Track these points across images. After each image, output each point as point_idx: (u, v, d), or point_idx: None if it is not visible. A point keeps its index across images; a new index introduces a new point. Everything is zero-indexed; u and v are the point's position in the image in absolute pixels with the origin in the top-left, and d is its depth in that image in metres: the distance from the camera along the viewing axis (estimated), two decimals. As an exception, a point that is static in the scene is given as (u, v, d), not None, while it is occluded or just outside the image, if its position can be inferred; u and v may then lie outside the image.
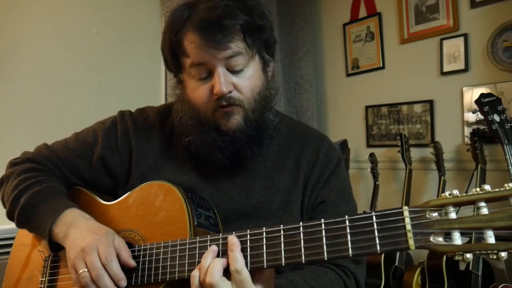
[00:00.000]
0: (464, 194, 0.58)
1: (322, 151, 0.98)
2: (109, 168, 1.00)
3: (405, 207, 0.61)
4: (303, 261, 0.67)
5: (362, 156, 2.71)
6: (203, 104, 0.88)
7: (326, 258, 0.66)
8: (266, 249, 0.71)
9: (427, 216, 0.60)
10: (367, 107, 2.72)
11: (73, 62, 2.11)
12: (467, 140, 2.14)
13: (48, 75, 2.03)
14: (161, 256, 0.81)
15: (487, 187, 0.57)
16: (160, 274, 0.81)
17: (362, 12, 2.73)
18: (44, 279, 0.95)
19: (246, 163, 0.96)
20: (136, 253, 0.85)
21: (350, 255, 0.64)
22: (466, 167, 2.19)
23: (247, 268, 0.71)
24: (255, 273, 0.71)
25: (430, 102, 2.39)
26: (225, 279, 0.70)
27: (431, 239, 0.58)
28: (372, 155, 2.53)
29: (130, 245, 0.88)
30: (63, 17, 2.09)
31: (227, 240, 0.74)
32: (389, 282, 2.18)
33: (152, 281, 0.81)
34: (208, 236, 0.78)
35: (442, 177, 2.16)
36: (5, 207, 0.96)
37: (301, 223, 0.70)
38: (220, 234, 0.77)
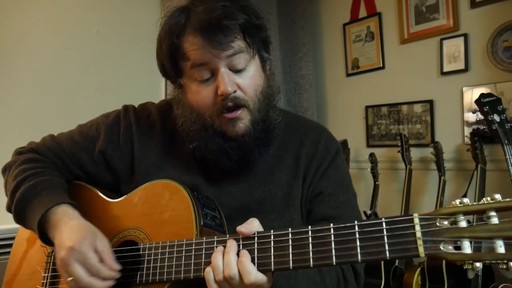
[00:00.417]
0: (474, 203, 0.58)
1: (321, 142, 0.98)
2: (109, 163, 0.99)
3: (415, 214, 0.61)
4: (311, 265, 0.67)
5: (362, 156, 2.71)
6: (207, 107, 0.86)
7: (334, 263, 0.65)
8: (274, 251, 0.70)
9: (437, 224, 0.59)
10: (367, 107, 2.72)
11: (73, 62, 2.11)
12: (467, 140, 2.14)
13: (48, 75, 2.03)
14: (166, 256, 0.81)
15: (497, 196, 0.57)
16: (165, 273, 0.80)
17: (362, 12, 2.73)
18: (46, 274, 0.95)
19: (247, 160, 0.95)
20: (140, 252, 0.85)
21: (359, 261, 0.63)
22: (466, 167, 2.19)
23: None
24: None
25: (430, 102, 2.39)
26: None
27: (441, 247, 0.58)
28: (372, 155, 2.53)
29: (134, 243, 0.88)
30: (63, 17, 2.09)
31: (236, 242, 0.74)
32: (389, 282, 2.18)
33: (157, 280, 0.81)
34: (215, 237, 0.77)
35: (442, 177, 2.16)
36: (7, 196, 0.97)
37: (309, 227, 0.69)
38: (227, 236, 0.76)
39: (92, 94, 2.14)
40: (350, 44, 2.81)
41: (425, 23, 2.38)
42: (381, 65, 2.63)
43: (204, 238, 0.78)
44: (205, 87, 0.86)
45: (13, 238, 1.07)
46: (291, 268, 0.68)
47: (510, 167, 1.67)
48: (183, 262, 0.78)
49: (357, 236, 0.64)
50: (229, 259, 0.71)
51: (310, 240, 0.68)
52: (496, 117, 1.75)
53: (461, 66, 2.23)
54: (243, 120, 0.86)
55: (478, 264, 0.56)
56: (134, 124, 1.00)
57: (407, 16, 2.47)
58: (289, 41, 2.87)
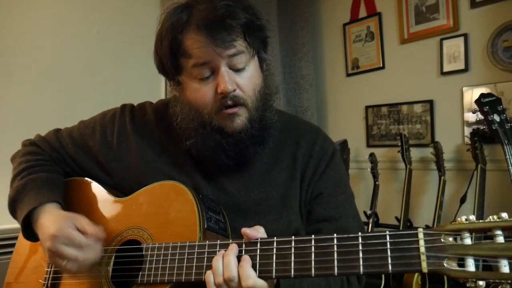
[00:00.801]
0: (481, 221, 0.58)
1: (318, 143, 0.98)
2: (103, 163, 1.01)
3: (420, 229, 0.61)
4: (313, 275, 0.67)
5: (362, 156, 2.71)
6: (206, 105, 0.87)
7: (336, 274, 0.65)
8: (276, 259, 0.70)
9: (442, 240, 0.59)
10: (367, 107, 2.72)
11: (73, 62, 2.11)
12: (467, 140, 2.14)
13: (48, 75, 2.03)
14: (169, 257, 0.81)
15: (504, 215, 0.57)
16: (167, 275, 0.80)
17: (362, 12, 2.73)
18: (50, 269, 0.96)
19: (243, 160, 0.96)
20: (143, 252, 0.85)
21: (361, 273, 0.63)
22: (466, 167, 2.19)
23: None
24: None
25: (430, 102, 2.39)
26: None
27: (445, 264, 0.58)
28: (372, 155, 2.53)
29: (137, 242, 0.88)
30: (63, 17, 2.09)
31: (238, 248, 0.74)
32: (389, 282, 2.18)
33: (158, 281, 0.81)
34: (218, 240, 0.77)
35: (442, 177, 2.16)
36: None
37: (313, 236, 0.69)
38: (230, 240, 0.76)
39: (92, 94, 2.14)
40: (350, 44, 2.81)
41: (425, 23, 2.38)
42: (381, 65, 2.63)
43: (207, 241, 0.78)
44: (205, 85, 0.86)
45: (13, 238, 1.07)
46: (292, 276, 0.68)
47: (510, 167, 1.67)
48: (185, 264, 0.78)
49: (360, 248, 0.64)
50: (228, 260, 0.71)
51: (313, 250, 0.67)
52: (496, 117, 1.75)
53: (461, 66, 2.24)
54: (241, 117, 0.87)
55: (482, 283, 0.55)
56: (129, 123, 1.01)
57: (407, 16, 2.47)
58: (289, 41, 2.87)
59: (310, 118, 2.85)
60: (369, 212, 2.38)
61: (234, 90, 0.85)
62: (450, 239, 0.59)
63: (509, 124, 1.73)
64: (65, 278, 0.93)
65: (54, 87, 2.04)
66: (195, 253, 0.78)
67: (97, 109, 1.13)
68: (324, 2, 2.97)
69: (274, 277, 0.70)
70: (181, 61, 0.88)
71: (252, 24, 0.85)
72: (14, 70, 1.94)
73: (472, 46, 2.21)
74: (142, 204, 0.92)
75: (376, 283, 2.17)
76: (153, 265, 0.82)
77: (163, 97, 2.36)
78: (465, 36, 2.22)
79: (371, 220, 2.36)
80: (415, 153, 2.40)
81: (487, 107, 1.77)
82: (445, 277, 1.93)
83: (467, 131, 2.20)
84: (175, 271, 0.79)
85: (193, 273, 0.77)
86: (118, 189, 1.00)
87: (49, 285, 0.95)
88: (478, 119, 1.84)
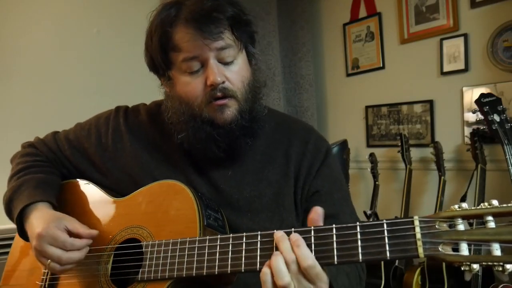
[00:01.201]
0: (472, 208, 0.61)
1: (311, 142, 1.00)
2: (98, 164, 1.02)
3: (416, 217, 0.63)
4: None
5: (362, 156, 2.71)
6: (196, 97, 0.89)
7: (336, 262, 0.66)
8: (276, 250, 0.70)
9: (436, 226, 0.62)
10: (367, 107, 2.72)
11: (73, 62, 2.11)
12: (467, 140, 2.14)
13: (48, 75, 2.03)
14: (169, 254, 0.81)
15: (495, 202, 0.59)
16: (167, 271, 0.80)
17: (362, 12, 2.73)
18: (47, 271, 0.96)
19: (236, 158, 0.97)
20: (143, 249, 0.85)
21: (360, 260, 0.65)
22: (466, 167, 2.19)
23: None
24: None
25: (430, 102, 2.39)
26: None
27: (440, 249, 0.60)
28: (372, 155, 2.53)
29: (137, 241, 0.88)
30: (63, 17, 2.09)
31: (238, 241, 0.74)
32: (389, 282, 2.18)
33: (159, 277, 0.81)
34: (218, 235, 0.78)
35: (442, 177, 2.16)
36: None
37: (312, 227, 0.70)
38: (231, 235, 0.77)
39: (92, 94, 2.14)
40: (350, 44, 2.81)
41: (425, 23, 2.38)
42: (381, 65, 2.63)
43: (208, 236, 0.79)
44: (195, 78, 0.88)
45: (12, 239, 1.07)
46: None
47: (510, 167, 1.67)
48: (185, 259, 0.79)
49: (359, 236, 0.66)
50: (284, 245, 0.69)
51: (313, 240, 0.69)
52: (496, 117, 1.75)
53: (461, 66, 2.24)
54: (231, 108, 0.89)
55: (475, 266, 0.58)
56: (123, 124, 1.03)
57: (407, 16, 2.47)
58: (289, 41, 2.87)
59: (310, 118, 2.85)
60: (369, 212, 2.38)
61: (223, 82, 0.87)
62: (444, 225, 0.62)
63: (509, 124, 1.73)
64: (63, 278, 0.93)
65: (54, 87, 2.04)
66: (196, 248, 0.78)
67: (97, 109, 1.13)
68: (324, 2, 2.97)
69: None
70: (171, 56, 0.90)
71: (239, 18, 0.88)
72: (14, 70, 1.94)
73: (472, 46, 2.21)
74: (141, 203, 0.92)
75: (376, 283, 2.17)
76: (153, 262, 0.82)
77: (162, 97, 2.35)
78: (465, 36, 2.22)
79: (371, 220, 2.36)
80: (415, 153, 2.40)
81: (487, 107, 1.77)
82: (445, 277, 1.93)
83: (467, 131, 2.20)
84: (175, 267, 0.80)
85: (194, 268, 0.77)
86: (113, 190, 1.01)
87: (46, 286, 0.95)
88: (478, 119, 1.84)
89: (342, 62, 2.87)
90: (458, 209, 0.61)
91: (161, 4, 0.91)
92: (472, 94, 2.20)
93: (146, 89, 2.33)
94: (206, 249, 0.77)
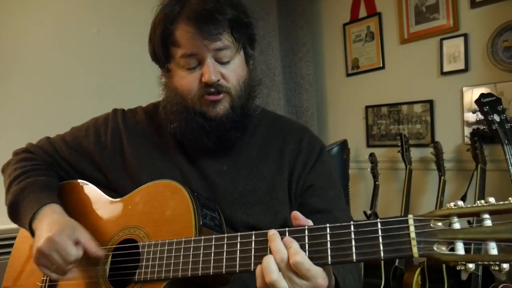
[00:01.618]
0: (468, 206, 0.59)
1: (304, 139, 1.02)
2: (98, 163, 1.03)
3: (410, 216, 0.62)
4: None
5: (362, 156, 2.71)
6: (190, 91, 0.92)
7: (330, 262, 0.66)
8: (270, 251, 0.70)
9: (431, 225, 0.60)
10: (367, 107, 2.72)
11: (73, 62, 2.11)
12: (467, 140, 2.14)
13: (47, 75, 2.03)
14: (165, 254, 0.82)
15: (491, 199, 0.58)
16: (163, 271, 0.81)
17: (362, 12, 2.73)
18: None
19: (231, 153, 1.00)
20: (140, 249, 0.85)
21: (354, 260, 0.64)
22: (466, 167, 2.19)
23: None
24: None
25: (430, 102, 2.39)
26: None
27: (435, 248, 0.59)
28: (372, 155, 2.53)
29: (134, 241, 0.88)
30: (63, 17, 2.09)
31: (233, 241, 0.74)
32: (389, 282, 2.18)
33: (155, 278, 0.81)
34: (213, 235, 0.78)
35: (442, 177, 2.16)
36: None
37: (306, 226, 0.70)
38: (225, 235, 0.77)
39: (92, 94, 2.14)
40: (350, 44, 2.81)
41: (425, 23, 2.38)
42: (381, 65, 2.63)
43: (203, 236, 0.79)
44: (191, 73, 0.91)
45: (13, 238, 1.07)
46: None
47: (510, 167, 1.67)
48: (181, 260, 0.79)
49: (353, 236, 0.65)
50: (276, 245, 0.68)
51: (307, 240, 0.68)
52: (496, 117, 1.75)
53: (461, 66, 2.23)
54: (224, 103, 0.92)
55: (471, 265, 0.57)
56: (121, 124, 1.05)
57: (407, 16, 2.47)
58: (289, 41, 2.87)
59: (310, 118, 2.85)
60: (369, 212, 2.37)
61: (218, 80, 0.90)
62: (440, 224, 0.60)
63: (509, 124, 1.73)
64: (62, 279, 0.93)
65: (54, 87, 2.04)
66: (191, 248, 0.79)
67: (97, 109, 1.14)
68: (324, 2, 2.97)
69: None
70: (171, 50, 0.93)
71: (239, 20, 0.91)
72: (14, 70, 1.94)
73: (472, 46, 2.21)
74: (137, 203, 0.93)
75: (376, 283, 2.17)
76: (150, 263, 0.83)
77: (162, 97, 2.35)
78: (465, 36, 2.22)
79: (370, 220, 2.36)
80: (415, 153, 2.40)
81: (487, 107, 1.77)
82: (445, 277, 1.93)
83: (467, 131, 2.20)
84: (171, 268, 0.80)
85: (189, 269, 0.78)
86: (113, 189, 1.02)
87: (46, 287, 0.95)
88: (478, 119, 1.84)
89: (342, 62, 2.87)
90: (453, 207, 0.60)
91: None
92: (472, 94, 2.20)
93: (146, 89, 2.33)
94: (201, 250, 0.77)
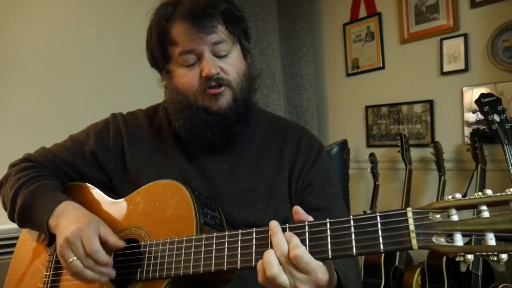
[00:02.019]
0: (466, 198, 0.60)
1: (303, 140, 1.04)
2: (101, 164, 1.04)
3: (409, 208, 0.63)
4: None
5: (362, 156, 2.71)
6: (191, 87, 0.93)
7: (330, 256, 0.66)
8: (271, 246, 0.71)
9: (430, 217, 0.61)
10: (367, 107, 2.72)
11: (73, 62, 2.11)
12: (467, 140, 2.14)
13: (47, 75, 2.03)
14: (166, 253, 0.82)
15: (488, 191, 0.59)
16: (165, 270, 0.81)
17: (362, 12, 2.73)
18: (48, 273, 0.96)
19: (232, 153, 1.01)
20: (142, 249, 0.86)
21: (354, 254, 0.65)
22: (466, 167, 2.19)
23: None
24: None
25: (430, 102, 2.39)
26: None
27: (434, 240, 0.60)
28: (372, 155, 2.53)
29: (135, 241, 0.89)
30: (63, 17, 2.09)
31: (234, 238, 0.75)
32: (389, 282, 2.18)
33: (157, 276, 0.82)
34: (214, 233, 0.78)
35: (442, 177, 2.16)
36: (5, 209, 1.00)
37: (306, 222, 0.70)
38: (226, 232, 0.77)
39: (92, 94, 2.14)
40: (350, 44, 2.81)
41: (425, 23, 2.38)
42: (381, 65, 2.63)
43: (204, 234, 0.79)
44: (190, 70, 0.93)
45: (13, 238, 1.07)
46: None
47: (510, 167, 1.67)
48: (182, 258, 0.80)
49: (353, 230, 0.66)
50: (278, 239, 0.69)
51: (307, 235, 0.69)
52: (496, 117, 1.75)
53: (461, 66, 2.23)
54: (226, 96, 0.93)
55: (470, 256, 0.57)
56: (122, 126, 1.06)
57: (407, 16, 2.47)
58: (289, 41, 2.87)
59: (310, 118, 2.85)
60: (369, 212, 2.38)
61: (218, 73, 0.91)
62: (438, 216, 0.61)
63: (509, 124, 1.73)
64: (64, 280, 0.94)
65: (53, 87, 2.04)
66: (192, 246, 0.79)
67: (96, 109, 1.14)
68: (324, 2, 2.97)
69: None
70: (169, 50, 0.95)
71: (231, 13, 0.93)
72: (14, 70, 1.94)
73: (472, 46, 2.21)
74: (139, 203, 0.93)
75: (376, 283, 2.17)
76: (152, 261, 0.83)
77: (162, 97, 2.36)
78: (465, 36, 2.22)
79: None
80: (415, 153, 2.40)
81: (487, 107, 1.77)
82: (445, 277, 1.93)
83: (467, 131, 2.20)
84: (173, 265, 0.80)
85: (191, 267, 0.78)
86: (117, 191, 1.02)
87: None
88: (478, 119, 1.84)
89: (342, 62, 2.87)
90: (451, 200, 0.61)
91: (160, 3, 0.95)
92: (472, 94, 2.20)
93: (146, 89, 2.34)
94: (203, 247, 0.78)
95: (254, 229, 0.74)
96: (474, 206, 0.60)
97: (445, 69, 2.31)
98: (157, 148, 1.03)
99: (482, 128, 1.92)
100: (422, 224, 0.61)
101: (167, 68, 0.97)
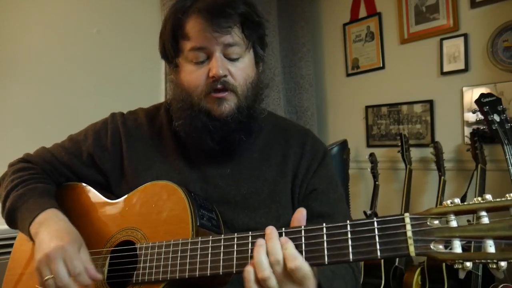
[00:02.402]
0: (465, 203, 0.59)
1: (308, 143, 1.02)
2: (99, 165, 1.02)
3: (407, 214, 0.62)
4: None
5: (362, 156, 2.71)
6: (197, 87, 0.90)
7: (326, 262, 0.65)
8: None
9: (428, 223, 0.60)
10: (367, 107, 2.72)
11: (73, 62, 2.11)
12: (467, 140, 2.14)
13: (47, 75, 2.03)
14: (162, 256, 0.81)
15: (488, 196, 0.58)
16: (161, 273, 0.80)
17: (362, 12, 2.73)
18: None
19: (234, 155, 0.98)
20: (137, 251, 0.85)
21: (351, 260, 0.64)
22: (466, 167, 2.19)
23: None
24: None
25: (430, 102, 2.39)
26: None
27: (432, 247, 0.59)
28: (372, 155, 2.53)
29: (131, 243, 0.88)
30: (63, 17, 2.09)
31: (229, 242, 0.74)
32: (389, 282, 2.18)
33: (153, 279, 0.81)
34: (210, 236, 0.78)
35: (442, 177, 2.16)
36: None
37: (302, 226, 0.70)
38: (222, 236, 0.77)
39: (92, 94, 2.14)
40: (350, 44, 2.81)
41: (425, 23, 2.38)
42: (381, 65, 2.63)
43: (200, 238, 0.79)
44: (199, 68, 0.90)
45: (13, 238, 1.07)
46: None
47: (510, 167, 1.67)
48: (178, 261, 0.79)
49: (349, 236, 0.65)
50: (273, 244, 0.68)
51: (303, 240, 0.68)
52: (496, 117, 1.75)
53: (461, 66, 2.23)
54: (229, 102, 0.90)
55: (469, 264, 0.56)
56: (121, 126, 1.04)
57: (407, 16, 2.47)
58: (289, 41, 2.87)
59: (310, 118, 2.85)
60: (369, 212, 2.37)
61: (225, 76, 0.89)
62: (436, 222, 0.60)
63: (509, 124, 1.73)
64: None
65: (53, 87, 2.04)
66: (188, 250, 0.78)
67: (96, 109, 1.14)
68: (324, 2, 2.97)
69: None
70: (180, 43, 0.92)
71: (250, 17, 0.90)
72: (14, 70, 1.94)
73: (472, 46, 2.21)
74: (135, 204, 0.92)
75: (376, 283, 2.17)
76: (147, 264, 0.82)
77: (163, 97, 2.36)
78: (465, 36, 2.22)
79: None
80: (415, 153, 2.40)
81: (487, 107, 1.77)
82: (445, 277, 1.93)
83: (467, 131, 2.20)
84: (169, 269, 0.80)
85: (187, 270, 0.77)
86: (114, 191, 1.01)
87: None
88: (478, 119, 1.84)
89: (342, 62, 2.87)
90: (450, 205, 0.60)
91: None
92: (472, 94, 2.20)
93: (146, 89, 2.35)
94: (198, 251, 0.77)
95: (250, 233, 0.73)
96: (473, 212, 0.58)
97: (445, 69, 2.30)
98: (156, 150, 1.01)
99: (482, 128, 1.92)
100: (420, 231, 0.60)
101: (176, 62, 0.95)
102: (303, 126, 1.12)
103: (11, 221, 0.95)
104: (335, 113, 2.97)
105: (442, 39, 2.31)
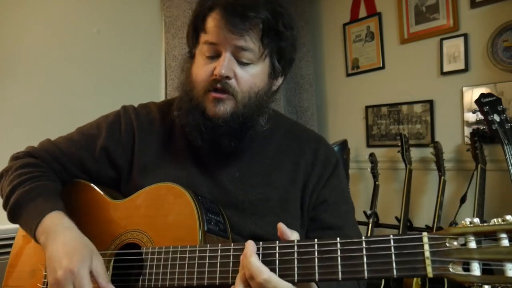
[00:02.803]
0: (485, 224, 0.57)
1: (321, 152, 0.99)
2: (112, 160, 0.99)
3: (425, 233, 0.61)
4: (317, 279, 0.66)
5: (362, 156, 2.71)
6: (201, 82, 0.90)
7: (340, 278, 0.64)
8: (278, 264, 0.69)
9: (446, 244, 0.59)
10: (367, 107, 2.72)
11: (73, 62, 2.11)
12: (467, 140, 2.14)
13: (47, 75, 2.02)
14: (169, 262, 0.80)
15: (508, 217, 0.56)
16: (167, 280, 0.79)
17: (362, 12, 2.73)
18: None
19: (244, 159, 0.96)
20: (143, 256, 0.84)
21: (365, 277, 0.62)
22: (466, 167, 2.19)
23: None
24: None
25: (430, 102, 2.39)
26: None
27: (450, 268, 0.57)
28: (372, 155, 2.53)
29: (136, 246, 0.87)
30: (63, 17, 2.09)
31: (239, 252, 0.73)
32: (389, 282, 2.18)
33: (160, 286, 0.80)
34: (219, 245, 0.76)
35: (442, 177, 2.16)
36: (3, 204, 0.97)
37: (316, 240, 0.68)
38: (232, 244, 0.75)
39: (91, 94, 2.14)
40: (350, 44, 2.81)
41: (425, 23, 2.38)
42: (381, 65, 2.63)
43: (208, 246, 0.77)
44: (208, 63, 0.90)
45: (13, 238, 1.06)
46: (296, 281, 0.67)
47: (510, 167, 1.67)
48: (186, 270, 0.77)
49: (364, 252, 0.63)
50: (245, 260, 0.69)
51: (316, 254, 0.67)
52: (496, 117, 1.75)
53: (461, 66, 2.23)
54: (226, 105, 0.88)
55: (487, 287, 0.55)
56: (134, 120, 1.01)
57: (407, 16, 2.47)
58: (289, 41, 2.87)
59: (310, 118, 2.85)
60: (369, 212, 2.38)
61: (229, 78, 0.87)
62: (455, 243, 0.58)
63: (509, 124, 1.73)
64: None
65: (53, 87, 2.04)
66: (196, 257, 0.77)
67: (96, 109, 1.13)
68: (324, 2, 2.97)
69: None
70: (199, 35, 0.92)
71: (272, 26, 0.87)
72: (14, 70, 1.94)
73: (472, 46, 2.21)
74: (140, 206, 0.91)
75: (376, 283, 2.17)
76: (154, 270, 0.81)
77: (163, 97, 2.36)
78: (465, 36, 2.22)
79: (371, 220, 2.36)
80: (415, 153, 2.40)
81: (487, 107, 1.77)
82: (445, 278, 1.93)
83: (467, 131, 2.20)
84: (176, 276, 0.78)
85: (195, 278, 0.76)
86: (123, 188, 0.99)
87: None
88: (478, 119, 1.84)
89: (342, 62, 2.87)
90: (469, 225, 0.58)
91: None
92: (472, 94, 2.20)
93: (146, 89, 2.34)
94: (207, 259, 0.76)
95: (260, 243, 0.71)
96: (493, 233, 0.57)
97: (445, 69, 2.30)
98: (167, 149, 0.99)
99: (482, 128, 1.92)
100: (438, 251, 0.58)
101: (193, 52, 0.95)
102: (316, 133, 1.09)
103: (14, 217, 0.92)
104: (335, 113, 2.97)
105: (442, 39, 2.31)
